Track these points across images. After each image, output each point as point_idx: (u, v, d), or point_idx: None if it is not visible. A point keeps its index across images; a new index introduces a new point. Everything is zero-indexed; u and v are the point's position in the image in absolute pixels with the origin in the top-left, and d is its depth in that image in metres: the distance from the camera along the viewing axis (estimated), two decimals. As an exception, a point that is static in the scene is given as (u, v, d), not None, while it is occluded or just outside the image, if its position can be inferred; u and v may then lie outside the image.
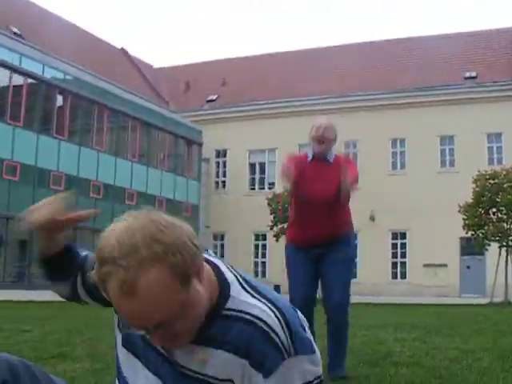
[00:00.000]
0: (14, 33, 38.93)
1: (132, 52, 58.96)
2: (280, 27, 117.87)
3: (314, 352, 1.89)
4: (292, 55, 54.49)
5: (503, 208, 30.57)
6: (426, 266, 44.19)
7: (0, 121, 33.09)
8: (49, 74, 36.01)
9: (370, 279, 43.05)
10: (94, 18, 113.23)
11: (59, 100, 37.57)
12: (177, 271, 1.68)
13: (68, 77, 37.67)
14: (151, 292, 1.65)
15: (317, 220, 6.10)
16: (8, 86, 34.01)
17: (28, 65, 34.65)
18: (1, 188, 32.77)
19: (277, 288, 36.70)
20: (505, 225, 30.54)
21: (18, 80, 34.45)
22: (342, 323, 6.18)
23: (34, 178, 34.02)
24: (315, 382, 1.88)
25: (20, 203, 29.56)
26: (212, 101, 53.39)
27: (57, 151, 35.72)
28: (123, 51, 57.66)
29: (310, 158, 6.27)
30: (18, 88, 34.50)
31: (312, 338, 1.91)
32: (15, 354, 6.56)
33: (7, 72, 33.66)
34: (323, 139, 6.13)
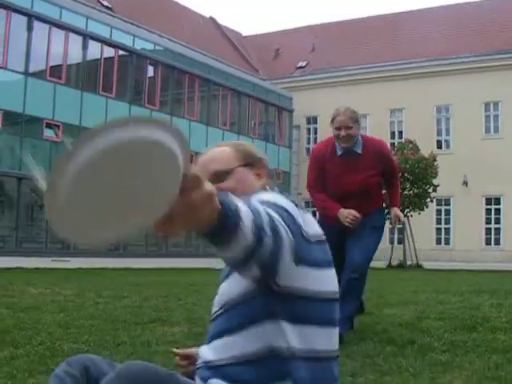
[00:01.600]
0: (105, 6, 39.45)
1: (221, 20, 59.09)
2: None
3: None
4: (381, 20, 53.74)
5: None
6: (521, 232, 43.40)
7: (93, 92, 33.65)
8: (139, 45, 36.40)
9: (463, 245, 42.55)
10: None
11: (150, 71, 37.96)
12: (240, 154, 2.54)
13: (158, 47, 38.00)
14: (217, 153, 2.54)
15: (347, 207, 6.20)
16: (99, 59, 34.52)
17: (118, 37, 35.08)
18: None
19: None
20: None
21: (109, 52, 34.94)
22: (355, 281, 6.14)
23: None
24: (275, 209, 2.00)
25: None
26: (302, 67, 53.17)
27: (149, 121, 36.03)
28: (212, 20, 57.83)
29: (339, 153, 6.28)
30: (109, 60, 35.00)
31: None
32: (115, 318, 6.77)
33: (98, 44, 34.14)
34: (344, 138, 6.14)
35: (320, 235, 2.31)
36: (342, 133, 6.08)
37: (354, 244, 6.21)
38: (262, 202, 1.99)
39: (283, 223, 1.93)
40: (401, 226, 30.09)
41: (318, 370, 2.20)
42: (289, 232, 1.94)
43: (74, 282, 13.05)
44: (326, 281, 2.28)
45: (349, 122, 6.08)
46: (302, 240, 2.11)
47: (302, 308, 2.18)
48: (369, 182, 6.31)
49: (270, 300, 2.14)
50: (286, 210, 2.06)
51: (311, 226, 2.28)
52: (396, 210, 6.61)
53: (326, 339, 2.25)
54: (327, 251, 2.33)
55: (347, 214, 6.12)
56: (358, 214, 6.12)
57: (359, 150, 6.18)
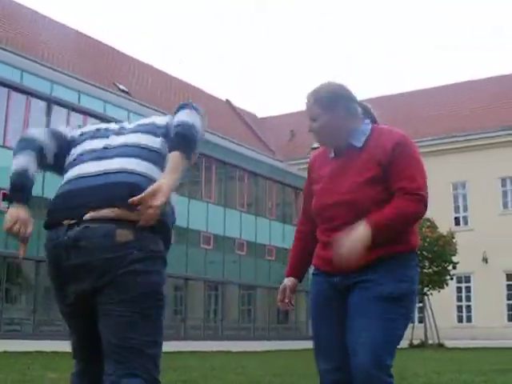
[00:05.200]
0: (121, 90, 40.00)
1: (236, 103, 59.75)
2: (379, 68, 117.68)
3: None
4: (389, 99, 54.23)
5: None
6: (543, 307, 42.95)
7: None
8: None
9: (485, 323, 42.02)
10: (198, 71, 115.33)
11: (167, 153, 38.31)
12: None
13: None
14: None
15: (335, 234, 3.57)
16: (117, 142, 34.82)
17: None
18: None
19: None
20: None
21: (128, 136, 35.25)
22: None
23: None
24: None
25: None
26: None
27: (166, 204, 36.14)
28: (228, 102, 58.50)
29: (332, 154, 3.96)
30: (124, 144, 35.28)
31: None
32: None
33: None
34: (312, 134, 3.98)
35: None
36: (309, 127, 3.95)
37: (350, 329, 3.63)
38: None
39: None
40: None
41: None
42: None
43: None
44: None
45: (314, 108, 3.86)
46: None
47: None
48: (363, 193, 3.67)
49: None
50: None
51: None
52: (356, 229, 3.49)
53: None
54: None
55: (279, 291, 4.23)
56: (287, 298, 4.21)
57: (359, 143, 3.79)
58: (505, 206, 45.78)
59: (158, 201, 2.94)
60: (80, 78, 36.17)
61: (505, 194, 46.04)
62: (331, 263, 3.59)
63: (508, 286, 44.32)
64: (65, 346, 13.45)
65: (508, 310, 44.05)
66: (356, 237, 3.43)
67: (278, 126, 57.85)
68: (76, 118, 32.39)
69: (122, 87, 40.60)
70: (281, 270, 45.21)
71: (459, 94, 50.26)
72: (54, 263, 3.26)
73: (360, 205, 3.61)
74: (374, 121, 3.95)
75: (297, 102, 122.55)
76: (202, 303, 37.14)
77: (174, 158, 3.15)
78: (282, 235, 45.08)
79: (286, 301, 4.16)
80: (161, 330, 3.21)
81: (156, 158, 3.32)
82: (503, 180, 45.96)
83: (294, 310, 48.14)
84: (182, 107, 3.44)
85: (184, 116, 3.35)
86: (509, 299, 44.11)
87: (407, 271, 3.68)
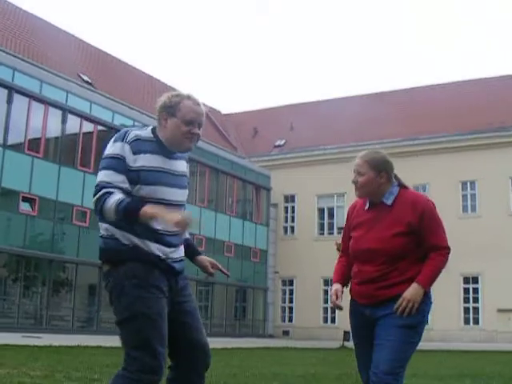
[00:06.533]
0: (85, 80, 39.61)
1: (200, 98, 59.50)
2: (345, 72, 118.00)
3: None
4: (359, 100, 54.44)
5: None
6: (499, 311, 43.20)
7: (71, 167, 33.48)
8: (118, 121, 36.39)
9: (442, 325, 42.20)
10: (162, 64, 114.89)
11: (128, 147, 37.87)
12: None
13: (137, 124, 38.00)
14: None
15: (366, 278, 4.81)
16: (78, 133, 34.46)
17: (98, 112, 35.10)
18: (70, 233, 33.06)
19: (346, 334, 36.21)
20: None
21: (88, 127, 34.89)
22: None
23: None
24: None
25: (89, 249, 29.83)
26: (280, 146, 53.47)
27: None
28: (191, 98, 58.27)
29: (367, 206, 4.98)
30: (87, 135, 34.92)
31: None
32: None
33: (78, 119, 34.12)
34: (354, 184, 4.94)
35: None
36: (353, 178, 4.94)
37: (377, 347, 4.70)
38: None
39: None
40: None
41: None
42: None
43: (44, 360, 12.72)
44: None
45: (363, 166, 4.89)
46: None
47: None
48: (392, 243, 4.74)
49: None
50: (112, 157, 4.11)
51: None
52: (413, 290, 4.69)
53: None
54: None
55: (332, 293, 4.98)
56: (338, 299, 4.92)
57: (389, 202, 4.85)
58: (464, 209, 46.12)
59: None
60: (42, 67, 35.77)
61: (465, 197, 46.39)
62: (364, 297, 4.81)
63: (465, 289, 44.61)
64: (16, 339, 13.12)
65: (464, 313, 44.32)
66: (414, 294, 4.68)
67: (242, 122, 57.73)
68: (37, 107, 32.03)
69: (85, 78, 40.19)
70: (239, 266, 45.17)
71: (452, 95, 50.55)
72: None
73: (385, 252, 4.74)
74: (400, 184, 4.98)
75: (261, 100, 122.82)
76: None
77: None
78: (241, 232, 44.99)
79: (339, 301, 4.96)
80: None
81: None
82: (463, 184, 46.31)
83: (251, 307, 48.11)
84: None
85: None
86: (465, 302, 44.37)
87: (420, 306, 4.74)
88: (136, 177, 4.07)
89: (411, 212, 4.77)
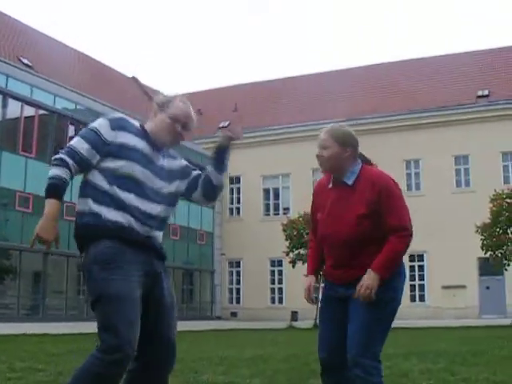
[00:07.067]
0: (25, 64, 38.95)
1: (143, 80, 59.04)
2: (290, 52, 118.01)
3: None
4: (303, 79, 54.47)
5: (521, 227, 30.28)
6: (444, 287, 43.81)
7: (12, 152, 32.98)
8: (60, 104, 35.93)
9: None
10: (104, 46, 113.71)
11: (71, 130, 37.39)
12: None
13: (79, 107, 37.58)
14: None
15: (337, 261, 4.74)
16: (19, 118, 33.93)
17: (39, 96, 34.58)
18: (14, 220, 32.64)
19: (294, 314, 36.35)
20: (524, 244, 30.22)
21: (30, 111, 34.37)
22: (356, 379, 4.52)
23: (48, 209, 33.79)
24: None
25: (33, 235, 29.39)
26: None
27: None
28: (134, 79, 57.75)
29: (330, 185, 4.82)
30: (29, 119, 34.42)
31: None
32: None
33: (18, 103, 33.59)
34: (319, 157, 4.77)
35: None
36: (318, 152, 4.76)
37: (348, 328, 4.64)
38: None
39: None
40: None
41: None
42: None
43: (-13, 350, 12.43)
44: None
45: (328, 140, 4.71)
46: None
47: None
48: (357, 226, 4.60)
49: None
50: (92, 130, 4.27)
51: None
52: (368, 278, 4.50)
53: None
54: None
55: (305, 288, 4.88)
56: (311, 295, 4.88)
57: (350, 181, 4.69)
58: (409, 188, 46.50)
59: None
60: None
61: (409, 176, 46.88)
62: (338, 279, 4.71)
63: (410, 267, 44.96)
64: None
65: (411, 291, 44.71)
66: (370, 282, 4.45)
67: (185, 104, 57.41)
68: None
69: (25, 61, 39.53)
70: (185, 249, 45.04)
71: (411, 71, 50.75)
72: None
73: (351, 235, 4.59)
74: (365, 161, 4.82)
75: (205, 81, 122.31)
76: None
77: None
78: (187, 215, 44.79)
79: (312, 295, 4.91)
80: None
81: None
82: (407, 162, 46.84)
83: (198, 289, 48.07)
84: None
85: None
86: (411, 280, 44.75)
87: (391, 282, 4.60)
88: (114, 151, 4.21)
89: (371, 190, 4.61)
